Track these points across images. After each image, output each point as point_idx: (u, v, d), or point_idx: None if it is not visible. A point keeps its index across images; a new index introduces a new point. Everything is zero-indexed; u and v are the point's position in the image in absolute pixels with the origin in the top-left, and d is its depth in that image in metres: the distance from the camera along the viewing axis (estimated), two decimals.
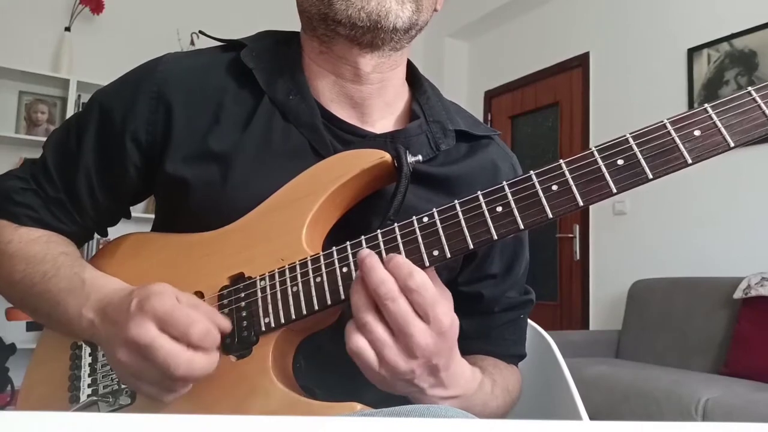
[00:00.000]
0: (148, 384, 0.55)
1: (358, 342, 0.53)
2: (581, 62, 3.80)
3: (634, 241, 3.36)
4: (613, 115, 3.54)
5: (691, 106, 3.11)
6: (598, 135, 3.61)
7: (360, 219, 0.64)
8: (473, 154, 0.73)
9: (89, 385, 0.64)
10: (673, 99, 3.21)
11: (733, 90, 0.53)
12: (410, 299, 0.52)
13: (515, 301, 0.75)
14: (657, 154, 0.49)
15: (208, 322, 0.55)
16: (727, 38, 3.02)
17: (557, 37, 3.95)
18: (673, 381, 2.34)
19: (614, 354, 3.11)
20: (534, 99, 4.17)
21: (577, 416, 0.77)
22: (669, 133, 0.49)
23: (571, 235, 3.74)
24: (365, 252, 0.54)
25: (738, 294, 2.58)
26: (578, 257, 3.69)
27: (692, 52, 3.16)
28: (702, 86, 3.11)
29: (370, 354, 0.53)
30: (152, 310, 0.53)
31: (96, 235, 0.78)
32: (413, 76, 0.75)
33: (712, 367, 2.60)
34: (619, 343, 3.12)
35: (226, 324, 0.57)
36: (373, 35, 0.63)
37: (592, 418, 0.77)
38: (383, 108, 0.71)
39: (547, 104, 4.08)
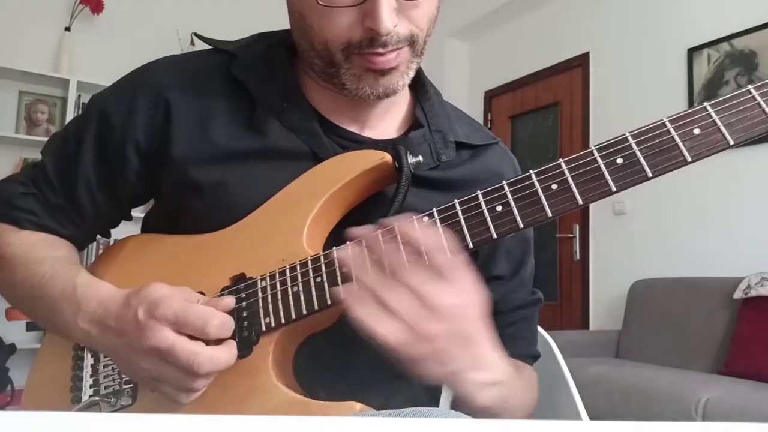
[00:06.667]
0: (171, 386, 0.56)
1: (384, 326, 0.50)
2: (581, 62, 3.79)
3: (634, 241, 3.35)
4: (613, 115, 3.54)
5: (691, 106, 3.07)
6: (598, 135, 3.61)
7: (361, 220, 0.64)
8: (475, 159, 0.73)
9: (91, 386, 0.64)
10: (673, 99, 3.20)
11: (732, 90, 0.52)
12: (430, 263, 0.51)
13: (523, 301, 0.75)
14: (656, 152, 0.49)
15: (219, 313, 0.56)
16: (727, 38, 3.02)
17: (557, 37, 3.95)
18: (673, 381, 2.33)
19: (614, 354, 3.11)
20: (534, 99, 4.16)
21: (577, 416, 0.77)
22: (668, 131, 0.49)
23: (571, 235, 3.73)
24: (362, 231, 0.56)
25: (738, 294, 2.57)
26: (578, 257, 3.69)
27: (692, 52, 3.16)
28: (702, 86, 3.11)
29: (396, 330, 0.50)
30: (164, 315, 0.54)
31: (98, 236, 0.78)
32: (418, 80, 0.74)
33: (712, 367, 2.60)
34: (619, 343, 3.11)
35: (228, 301, 0.58)
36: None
37: (592, 418, 0.76)
38: (383, 113, 0.71)
39: (547, 104, 4.07)
